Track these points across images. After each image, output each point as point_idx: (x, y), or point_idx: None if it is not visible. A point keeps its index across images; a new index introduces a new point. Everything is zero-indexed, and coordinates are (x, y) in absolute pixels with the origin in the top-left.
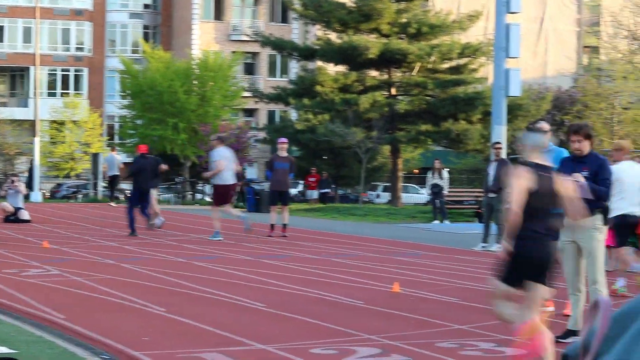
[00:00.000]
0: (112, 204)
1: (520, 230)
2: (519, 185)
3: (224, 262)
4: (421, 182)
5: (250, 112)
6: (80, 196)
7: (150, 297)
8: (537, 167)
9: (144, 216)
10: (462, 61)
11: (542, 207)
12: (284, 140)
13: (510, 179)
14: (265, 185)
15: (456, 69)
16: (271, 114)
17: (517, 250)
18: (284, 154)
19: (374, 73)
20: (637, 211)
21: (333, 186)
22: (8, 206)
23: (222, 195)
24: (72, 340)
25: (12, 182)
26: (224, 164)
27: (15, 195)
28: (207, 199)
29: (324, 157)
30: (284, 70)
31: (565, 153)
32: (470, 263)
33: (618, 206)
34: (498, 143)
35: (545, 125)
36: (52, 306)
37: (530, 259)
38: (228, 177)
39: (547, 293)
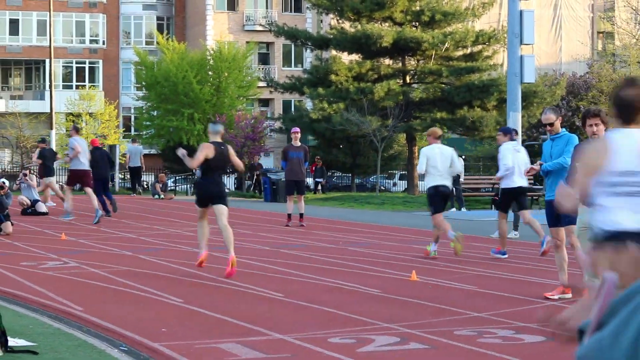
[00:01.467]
0: (135, 194)
1: None
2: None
3: (241, 252)
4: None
5: (265, 102)
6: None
7: (168, 288)
8: None
9: (109, 201)
10: (476, 48)
11: None
12: (297, 129)
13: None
14: (282, 175)
15: (470, 57)
16: (286, 104)
17: None
18: (298, 143)
19: (388, 61)
20: (448, 184)
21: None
22: (24, 199)
23: (76, 179)
24: (90, 332)
25: (25, 175)
26: (80, 149)
27: (28, 189)
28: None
29: (339, 146)
30: (299, 60)
31: (576, 139)
32: (488, 250)
33: (432, 180)
34: (501, 131)
35: (549, 117)
36: (70, 298)
37: None
38: (84, 163)
39: None
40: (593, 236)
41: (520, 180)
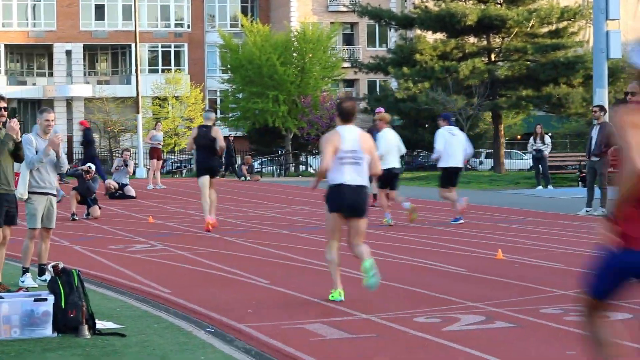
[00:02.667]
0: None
1: None
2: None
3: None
4: (524, 147)
5: (350, 83)
6: (184, 171)
7: (254, 269)
8: None
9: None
10: (562, 25)
11: None
12: (381, 109)
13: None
14: None
15: (555, 33)
16: (371, 84)
17: None
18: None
19: (472, 40)
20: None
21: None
22: (113, 183)
23: None
24: (177, 314)
25: (125, 160)
26: None
27: (123, 172)
28: (311, 170)
29: (425, 126)
30: (383, 40)
31: None
32: (574, 228)
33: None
34: (596, 107)
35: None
36: (157, 281)
37: None
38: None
39: None
40: None
41: (454, 161)
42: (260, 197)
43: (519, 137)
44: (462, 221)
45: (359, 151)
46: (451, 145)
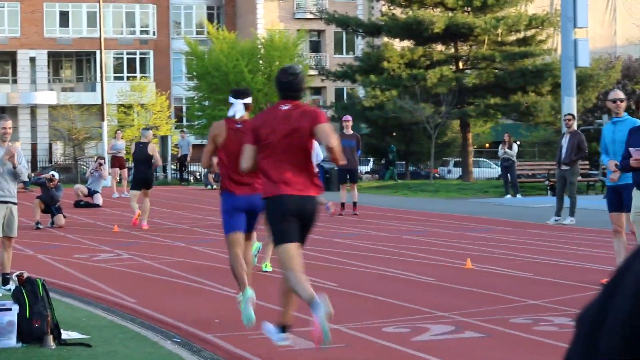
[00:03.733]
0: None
1: None
2: None
3: None
4: (493, 156)
5: (317, 91)
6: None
7: (221, 279)
8: None
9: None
10: (530, 33)
11: None
12: (348, 117)
13: None
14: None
15: (523, 41)
16: (339, 92)
17: None
18: (350, 131)
19: (440, 47)
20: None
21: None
22: (83, 189)
23: None
24: (143, 324)
25: (100, 165)
26: None
27: (97, 180)
28: None
29: (393, 134)
30: (350, 47)
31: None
32: (543, 237)
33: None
34: (569, 115)
35: (619, 93)
36: (123, 290)
37: None
38: None
39: None
40: None
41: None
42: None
43: (487, 145)
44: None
45: None
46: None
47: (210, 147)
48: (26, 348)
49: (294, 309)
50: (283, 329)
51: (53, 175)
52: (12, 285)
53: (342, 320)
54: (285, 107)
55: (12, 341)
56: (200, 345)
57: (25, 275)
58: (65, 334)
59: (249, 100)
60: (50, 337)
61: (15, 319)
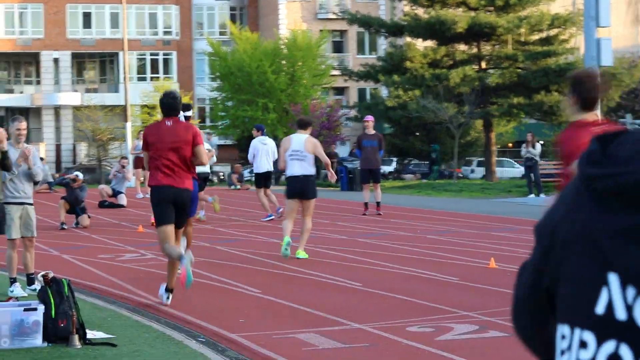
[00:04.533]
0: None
1: None
2: None
3: (319, 242)
4: (516, 155)
5: (340, 91)
6: None
7: (245, 278)
8: None
9: None
10: (552, 32)
11: None
12: (370, 117)
13: None
14: (358, 164)
15: (546, 40)
16: (361, 92)
17: None
18: (371, 131)
19: (463, 47)
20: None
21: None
22: (107, 189)
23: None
24: (168, 324)
25: (123, 167)
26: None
27: (121, 180)
28: None
29: (416, 134)
30: (373, 47)
31: None
32: None
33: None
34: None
35: None
36: (147, 290)
37: None
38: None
39: None
40: None
41: (266, 166)
42: (251, 206)
43: (510, 145)
44: (273, 217)
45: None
46: (261, 153)
47: None
48: (52, 348)
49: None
50: (170, 290)
51: (77, 176)
52: (37, 285)
53: (366, 320)
54: (169, 123)
55: (37, 341)
56: (225, 344)
57: (51, 275)
58: (90, 334)
59: (189, 113)
60: (76, 336)
61: (41, 318)
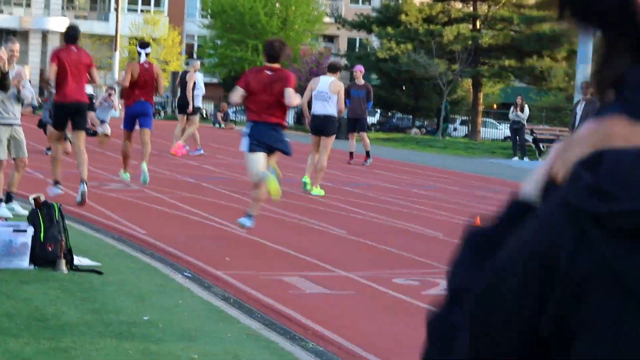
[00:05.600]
0: None
1: None
2: None
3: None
4: (499, 117)
5: (330, 39)
6: (162, 113)
7: (231, 217)
8: None
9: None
10: None
11: None
12: (360, 67)
13: None
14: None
15: (542, 5)
16: (351, 41)
17: None
18: (361, 81)
19: (459, 5)
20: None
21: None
22: (94, 118)
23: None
24: (154, 256)
25: (109, 95)
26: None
27: (107, 109)
28: None
29: (402, 87)
30: None
31: None
32: None
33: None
34: (586, 82)
35: None
36: (133, 221)
37: None
38: None
39: None
40: None
41: None
42: (235, 145)
43: (495, 106)
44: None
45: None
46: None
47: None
48: (38, 270)
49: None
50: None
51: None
52: (14, 205)
53: (351, 268)
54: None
55: (24, 262)
56: (211, 281)
57: (42, 198)
58: (77, 260)
59: (148, 50)
60: (63, 261)
61: (29, 241)
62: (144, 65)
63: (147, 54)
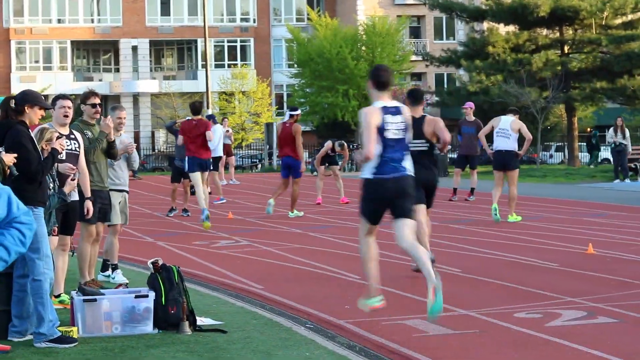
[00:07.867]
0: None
1: None
2: None
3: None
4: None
5: (418, 76)
6: (259, 166)
7: (343, 264)
8: None
9: None
10: (636, 16)
11: None
12: (470, 104)
13: None
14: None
15: (630, 24)
16: (439, 77)
17: None
18: (471, 118)
19: (545, 31)
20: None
21: None
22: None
23: None
24: (274, 310)
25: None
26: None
27: None
28: None
29: None
30: (450, 32)
31: None
32: None
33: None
34: None
35: None
36: (247, 277)
37: None
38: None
39: None
40: None
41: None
42: (335, 192)
43: (588, 129)
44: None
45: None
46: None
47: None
48: (163, 334)
49: None
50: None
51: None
52: (110, 272)
53: (471, 306)
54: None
55: (148, 327)
56: (334, 331)
57: (160, 262)
58: (199, 320)
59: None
60: (187, 323)
61: (152, 305)
62: (285, 124)
63: (291, 115)
